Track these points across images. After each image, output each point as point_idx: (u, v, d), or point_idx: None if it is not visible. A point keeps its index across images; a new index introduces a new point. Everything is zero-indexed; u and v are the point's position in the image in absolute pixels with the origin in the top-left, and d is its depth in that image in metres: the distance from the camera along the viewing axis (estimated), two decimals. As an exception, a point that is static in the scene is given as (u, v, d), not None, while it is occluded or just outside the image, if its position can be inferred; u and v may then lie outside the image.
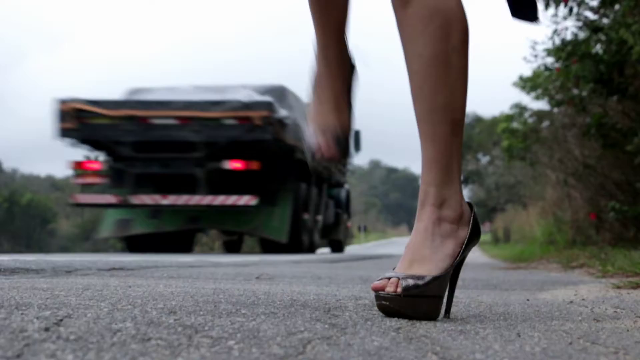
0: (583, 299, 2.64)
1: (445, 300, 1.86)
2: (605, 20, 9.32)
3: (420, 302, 1.75)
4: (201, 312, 1.70)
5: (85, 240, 58.85)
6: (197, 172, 12.45)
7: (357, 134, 19.20)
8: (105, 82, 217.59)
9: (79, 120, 12.58)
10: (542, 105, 19.62)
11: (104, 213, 13.81)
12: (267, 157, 12.82)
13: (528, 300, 2.56)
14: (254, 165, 12.61)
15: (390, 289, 1.76)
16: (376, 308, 1.92)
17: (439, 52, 1.79)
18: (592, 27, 9.37)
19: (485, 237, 66.72)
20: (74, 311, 1.59)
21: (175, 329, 1.43)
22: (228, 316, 1.65)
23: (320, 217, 15.69)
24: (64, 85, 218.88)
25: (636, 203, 9.77)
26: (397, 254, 18.98)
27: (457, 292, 2.86)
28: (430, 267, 1.79)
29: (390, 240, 64.99)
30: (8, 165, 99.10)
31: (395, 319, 1.75)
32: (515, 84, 20.67)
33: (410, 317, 1.75)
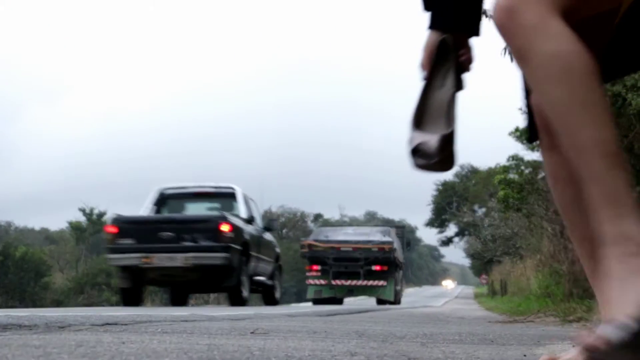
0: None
1: None
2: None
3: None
4: (195, 370, 1.68)
5: (79, 293, 58.51)
6: (360, 271, 25.73)
7: (408, 240, 37.92)
8: (102, 134, 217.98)
9: (310, 249, 26.32)
10: (539, 156, 19.67)
11: (308, 287, 27.04)
12: (387, 263, 25.85)
13: (525, 356, 2.54)
14: (384, 267, 25.76)
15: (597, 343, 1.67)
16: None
17: (566, 93, 1.78)
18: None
19: (481, 289, 66.40)
20: (66, 369, 1.57)
21: (168, 387, 1.41)
22: (222, 374, 1.64)
23: (399, 287, 28.44)
24: (60, 137, 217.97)
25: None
26: (394, 307, 18.85)
27: (452, 347, 2.84)
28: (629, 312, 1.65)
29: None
30: (2, 219, 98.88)
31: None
32: (511, 134, 20.76)
33: None
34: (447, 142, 2.05)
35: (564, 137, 1.82)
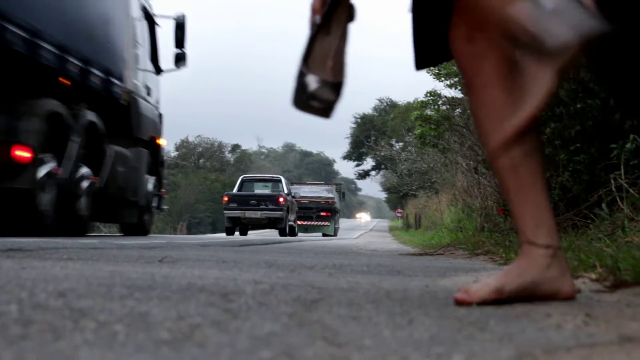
0: (481, 286, 2.67)
1: None
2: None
3: None
4: (92, 295, 1.67)
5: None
6: (313, 215, 39.29)
7: (343, 192, 52.13)
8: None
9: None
10: (456, 93, 19.82)
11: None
12: (330, 211, 39.60)
13: (427, 286, 2.58)
14: (328, 213, 39.67)
15: None
16: (274, 293, 1.91)
17: None
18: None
19: (396, 223, 67.34)
20: (-43, 293, 1.54)
21: (61, 312, 1.39)
22: (120, 300, 1.62)
23: (337, 226, 41.72)
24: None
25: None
26: (307, 238, 18.99)
27: (358, 278, 2.88)
28: None
29: (303, 224, 64.99)
30: None
31: (291, 303, 1.74)
32: (430, 71, 20.77)
33: None
34: (338, 91, 2.10)
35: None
